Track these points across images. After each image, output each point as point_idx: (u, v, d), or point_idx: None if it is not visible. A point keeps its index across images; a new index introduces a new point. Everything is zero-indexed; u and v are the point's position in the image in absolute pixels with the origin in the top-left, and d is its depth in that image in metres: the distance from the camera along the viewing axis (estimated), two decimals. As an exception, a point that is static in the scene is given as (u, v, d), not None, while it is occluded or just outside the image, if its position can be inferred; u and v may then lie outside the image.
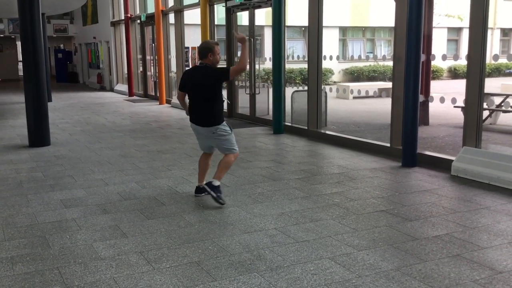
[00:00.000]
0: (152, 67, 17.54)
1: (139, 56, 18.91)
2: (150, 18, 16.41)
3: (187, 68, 5.71)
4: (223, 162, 5.17)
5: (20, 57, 8.34)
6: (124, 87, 19.84)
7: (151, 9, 16.74)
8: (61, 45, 32.29)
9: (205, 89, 4.99)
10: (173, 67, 15.69)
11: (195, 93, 5.07)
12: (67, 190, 5.69)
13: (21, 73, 9.19)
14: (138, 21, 18.03)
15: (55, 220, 4.66)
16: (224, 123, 5.13)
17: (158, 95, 16.16)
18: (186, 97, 5.28)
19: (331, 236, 4.18)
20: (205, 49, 4.99)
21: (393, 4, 7.28)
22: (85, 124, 11.28)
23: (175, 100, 15.01)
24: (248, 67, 5.09)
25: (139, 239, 4.17)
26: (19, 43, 8.67)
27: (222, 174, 5.16)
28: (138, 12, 18.51)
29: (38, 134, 8.50)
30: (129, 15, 18.52)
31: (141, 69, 18.82)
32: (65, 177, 6.33)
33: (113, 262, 3.72)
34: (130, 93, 18.73)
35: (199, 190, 5.40)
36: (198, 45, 5.21)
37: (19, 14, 8.27)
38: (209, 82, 4.98)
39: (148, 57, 17.90)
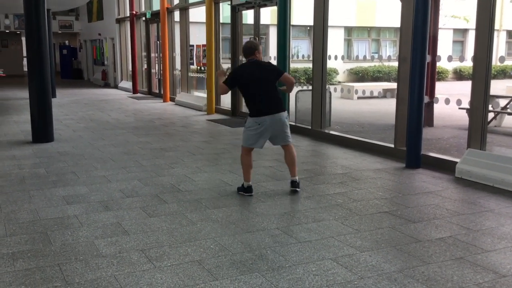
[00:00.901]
0: (156, 65, 17.55)
1: (144, 54, 18.92)
2: (155, 16, 16.41)
3: (238, 66, 5.90)
4: (290, 158, 5.47)
5: (25, 53, 8.33)
6: (128, 84, 19.86)
7: (156, 6, 16.75)
8: (66, 42, 32.36)
9: (270, 79, 5.28)
10: (178, 65, 15.69)
11: (263, 85, 5.27)
12: (70, 187, 5.69)
13: (26, 68, 9.20)
14: (143, 18, 18.04)
15: (57, 217, 4.65)
16: None
17: (162, 92, 16.16)
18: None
19: (334, 237, 4.16)
20: (252, 48, 5.36)
21: (399, 4, 7.24)
22: (89, 120, 11.29)
23: (179, 97, 15.02)
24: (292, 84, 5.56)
25: (141, 237, 4.16)
26: (24, 39, 8.67)
27: (295, 167, 5.48)
28: (143, 9, 18.52)
29: (42, 130, 8.50)
30: (134, 12, 18.52)
31: (145, 66, 18.83)
32: (67, 173, 6.33)
33: (114, 259, 3.70)
34: (134, 90, 18.74)
35: (250, 189, 5.40)
36: (244, 44, 5.56)
37: (24, 10, 8.27)
38: (271, 72, 5.32)
39: (152, 55, 17.90)
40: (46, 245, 3.97)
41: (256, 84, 5.24)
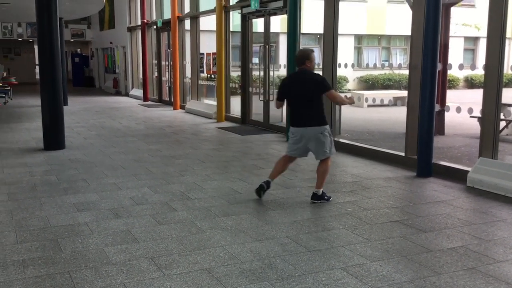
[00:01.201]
0: (167, 73, 17.64)
1: (155, 62, 19.03)
2: (166, 24, 16.52)
3: (286, 77, 5.91)
4: (319, 170, 5.39)
5: (37, 61, 8.47)
6: (139, 92, 19.97)
7: (167, 15, 16.86)
8: (78, 50, 32.68)
9: (311, 92, 5.20)
10: (188, 73, 15.76)
11: (300, 96, 5.26)
12: (80, 194, 5.71)
13: (38, 76, 9.31)
14: (154, 27, 18.16)
15: (67, 224, 4.68)
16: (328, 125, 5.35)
17: (172, 100, 16.23)
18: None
19: (344, 246, 4.13)
20: (303, 57, 5.30)
21: (409, 12, 7.23)
22: (100, 128, 11.36)
23: (189, 105, 15.07)
24: (338, 101, 5.56)
25: (151, 244, 4.16)
26: (36, 47, 8.79)
27: (322, 181, 5.37)
28: (154, 18, 18.65)
29: (53, 137, 8.56)
30: (145, 20, 18.66)
31: (156, 74, 18.94)
32: (78, 180, 6.36)
33: (124, 267, 3.71)
34: (145, 98, 18.84)
35: (268, 183, 5.46)
36: (296, 52, 5.47)
37: (36, 18, 8.37)
38: (315, 85, 5.21)
39: (163, 63, 18.00)
40: (57, 252, 3.99)
41: (296, 95, 5.28)
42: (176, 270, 3.66)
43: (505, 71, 6.30)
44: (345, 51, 21.15)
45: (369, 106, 16.59)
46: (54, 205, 5.29)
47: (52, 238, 4.30)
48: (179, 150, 8.57)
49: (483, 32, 6.53)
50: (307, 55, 5.28)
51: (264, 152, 8.41)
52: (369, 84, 23.49)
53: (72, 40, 28.85)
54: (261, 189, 5.43)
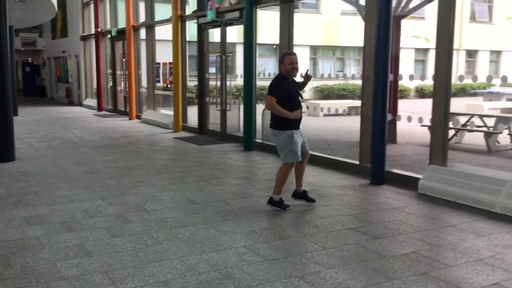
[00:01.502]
0: (122, 82, 17.38)
1: (109, 71, 18.73)
2: (121, 33, 16.30)
3: None
4: (277, 174, 5.48)
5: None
6: (93, 102, 19.58)
7: (122, 24, 16.65)
8: (29, 59, 31.78)
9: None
10: (144, 83, 15.59)
11: None
12: (31, 207, 5.53)
13: (-14, 86, 8.96)
14: (109, 36, 17.89)
15: (17, 238, 4.52)
16: (288, 132, 5.30)
17: (128, 110, 16.00)
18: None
19: (300, 254, 4.17)
20: (279, 60, 5.44)
21: (362, 24, 7.42)
22: (52, 139, 11.06)
23: (145, 115, 14.90)
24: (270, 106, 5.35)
25: (105, 258, 4.07)
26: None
27: (277, 186, 5.44)
28: (108, 27, 18.37)
29: (2, 149, 8.28)
30: (99, 29, 18.37)
31: (111, 84, 18.63)
32: (29, 193, 6.16)
33: (76, 282, 3.61)
34: (99, 108, 18.49)
35: (295, 193, 5.66)
36: None
37: (-15, 26, 8.10)
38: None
39: (118, 72, 17.74)
40: (6, 268, 3.84)
41: None
42: (131, 283, 3.59)
43: (453, 81, 6.55)
44: (300, 61, 21.44)
45: (324, 115, 16.85)
46: (3, 219, 5.10)
47: (1, 253, 4.14)
48: (135, 160, 8.44)
49: (432, 43, 6.77)
50: (280, 58, 5.45)
51: (222, 161, 8.39)
52: (325, 94, 23.89)
53: (22, 49, 28.06)
54: (296, 196, 5.64)
